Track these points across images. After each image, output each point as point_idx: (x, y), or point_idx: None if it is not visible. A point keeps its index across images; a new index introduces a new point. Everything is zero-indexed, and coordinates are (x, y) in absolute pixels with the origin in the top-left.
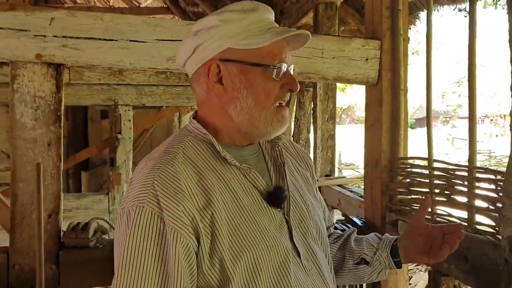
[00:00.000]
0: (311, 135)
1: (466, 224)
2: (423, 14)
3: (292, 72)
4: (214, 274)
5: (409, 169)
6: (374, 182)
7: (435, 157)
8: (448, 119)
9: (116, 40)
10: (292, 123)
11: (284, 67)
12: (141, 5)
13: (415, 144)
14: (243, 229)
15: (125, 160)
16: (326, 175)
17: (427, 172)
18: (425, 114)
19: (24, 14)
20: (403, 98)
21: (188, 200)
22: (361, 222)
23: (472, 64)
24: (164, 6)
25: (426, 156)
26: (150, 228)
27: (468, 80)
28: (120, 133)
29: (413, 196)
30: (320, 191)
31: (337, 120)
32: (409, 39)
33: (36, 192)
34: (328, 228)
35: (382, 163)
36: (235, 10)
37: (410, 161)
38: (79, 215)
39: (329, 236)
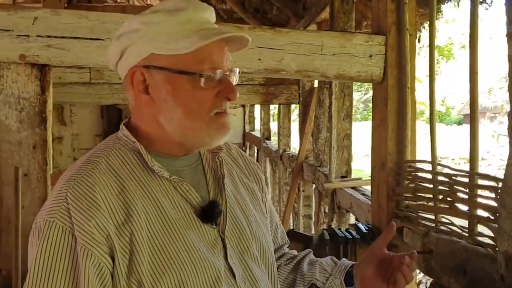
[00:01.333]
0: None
1: (467, 234)
2: (445, 7)
3: (233, 78)
4: None
5: (414, 173)
6: (381, 186)
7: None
8: (495, 115)
9: (102, 40)
10: (312, 122)
11: (218, 73)
12: None
13: (461, 142)
14: (167, 247)
15: None
16: (342, 177)
17: (430, 176)
18: None
19: (6, 14)
20: (410, 96)
21: (103, 215)
22: (366, 228)
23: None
24: None
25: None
26: (60, 245)
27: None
28: None
29: (419, 202)
30: (334, 193)
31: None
32: (417, 34)
33: (14, 197)
34: (281, 247)
35: (388, 165)
36: (159, 11)
37: (419, 165)
38: None
39: (281, 256)
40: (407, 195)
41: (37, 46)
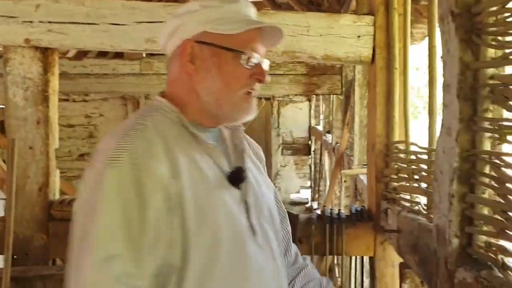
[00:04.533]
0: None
1: (425, 212)
2: None
3: (264, 66)
4: (177, 242)
5: (396, 155)
6: (371, 168)
7: None
8: None
9: (97, 24)
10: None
11: (255, 57)
12: None
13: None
14: (208, 204)
15: None
16: (364, 165)
17: (404, 156)
18: None
19: (12, 2)
20: (400, 77)
21: (163, 166)
22: (356, 210)
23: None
24: None
25: None
26: (127, 186)
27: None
28: None
29: (402, 183)
30: (356, 180)
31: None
32: (408, 14)
33: (10, 165)
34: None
35: (377, 148)
36: None
37: (402, 146)
38: None
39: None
40: (394, 176)
41: (39, 31)
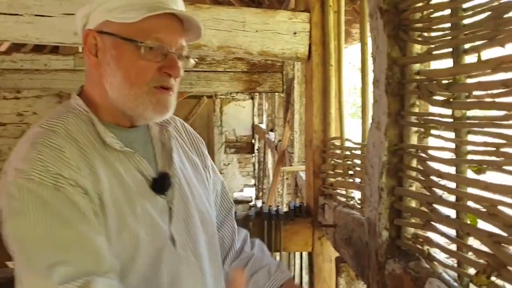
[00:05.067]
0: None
1: (359, 206)
2: None
3: (184, 61)
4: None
5: (332, 151)
6: (308, 164)
7: None
8: None
9: (21, 15)
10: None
11: (161, 48)
12: None
13: None
14: (127, 210)
15: None
16: (304, 162)
17: (339, 152)
18: None
19: None
20: (335, 74)
21: (77, 172)
22: (294, 206)
23: None
24: None
25: None
26: (50, 197)
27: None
28: None
29: (338, 179)
30: (296, 177)
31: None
32: (342, 11)
33: None
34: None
35: (314, 143)
36: None
37: (338, 142)
38: None
39: (232, 253)
40: (330, 172)
41: None
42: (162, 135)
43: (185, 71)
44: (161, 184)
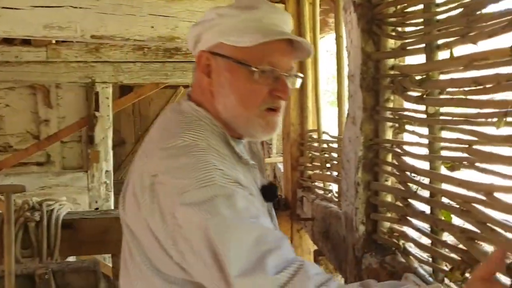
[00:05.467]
0: None
1: (336, 200)
2: None
3: (293, 81)
4: None
5: (309, 143)
6: (286, 156)
7: None
8: None
9: None
10: None
11: (273, 72)
12: None
13: None
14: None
15: (103, 138)
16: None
17: (317, 145)
18: None
19: None
20: (312, 66)
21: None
22: None
23: None
24: None
25: None
26: (238, 195)
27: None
28: (98, 110)
29: (316, 171)
30: (274, 168)
31: None
32: (317, 3)
33: None
34: None
35: (291, 136)
36: (233, 6)
37: (315, 135)
38: (58, 192)
39: None
40: (308, 164)
41: None
42: (253, 146)
43: (160, 62)
44: (273, 193)
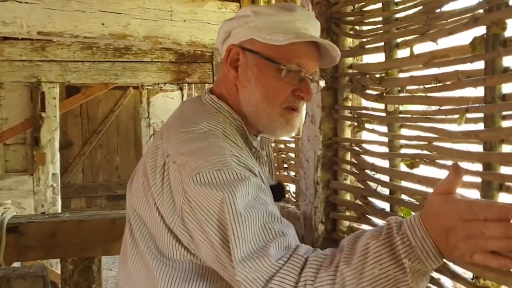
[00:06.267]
0: None
1: (294, 200)
2: None
3: (315, 85)
4: None
5: None
6: None
7: None
8: None
9: None
10: None
11: (301, 73)
12: None
13: None
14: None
15: (50, 140)
16: None
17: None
18: None
19: None
20: None
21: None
22: None
23: None
24: None
25: None
26: (250, 181)
27: None
28: (44, 111)
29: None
30: None
31: None
32: (273, 1)
33: None
34: None
35: None
36: (270, 6)
37: None
38: (2, 196)
39: None
40: None
41: None
42: (265, 147)
43: (110, 61)
44: (281, 193)
